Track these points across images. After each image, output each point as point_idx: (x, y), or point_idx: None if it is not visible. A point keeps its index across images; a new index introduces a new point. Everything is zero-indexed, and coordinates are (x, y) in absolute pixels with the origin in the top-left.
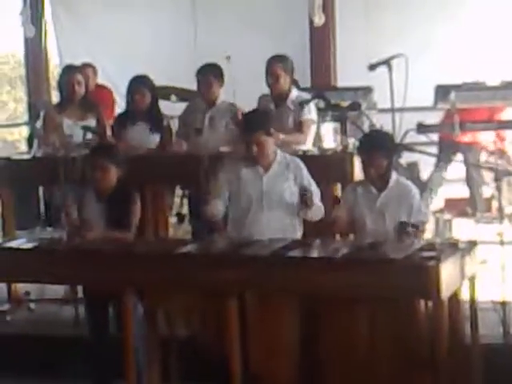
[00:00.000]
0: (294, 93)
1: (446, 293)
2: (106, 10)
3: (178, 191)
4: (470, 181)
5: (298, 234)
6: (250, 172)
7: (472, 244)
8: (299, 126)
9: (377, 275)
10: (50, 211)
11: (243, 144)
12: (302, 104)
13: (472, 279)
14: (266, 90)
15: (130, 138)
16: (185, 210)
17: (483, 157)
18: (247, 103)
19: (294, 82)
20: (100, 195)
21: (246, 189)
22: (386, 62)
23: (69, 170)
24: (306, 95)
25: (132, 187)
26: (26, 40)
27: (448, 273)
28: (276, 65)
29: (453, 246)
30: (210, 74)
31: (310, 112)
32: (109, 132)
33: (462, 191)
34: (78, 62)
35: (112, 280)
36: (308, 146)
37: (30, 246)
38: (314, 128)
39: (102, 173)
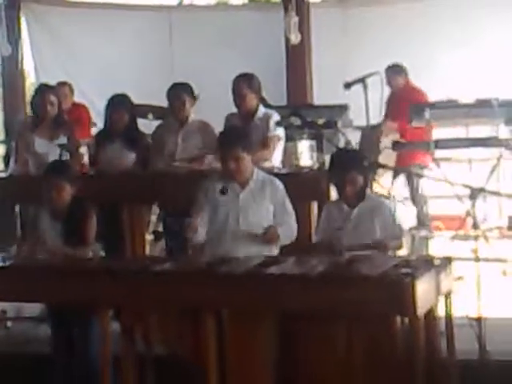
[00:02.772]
0: (261, 110)
1: (421, 309)
2: (83, 28)
3: (155, 209)
4: (416, 198)
5: (275, 252)
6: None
7: (447, 260)
8: (265, 142)
9: (353, 292)
10: (25, 229)
11: (220, 161)
12: (279, 123)
13: (448, 295)
14: None
15: (107, 156)
16: (161, 228)
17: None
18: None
19: (262, 100)
20: (55, 214)
21: (222, 206)
22: (362, 81)
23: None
24: (274, 112)
25: (87, 203)
26: (2, 58)
27: (423, 289)
28: (241, 84)
29: (428, 263)
30: (181, 92)
31: (277, 129)
32: (84, 149)
33: (437, 207)
34: (54, 81)
35: (88, 298)
36: (276, 162)
37: (5, 264)
38: (281, 145)
39: (57, 192)
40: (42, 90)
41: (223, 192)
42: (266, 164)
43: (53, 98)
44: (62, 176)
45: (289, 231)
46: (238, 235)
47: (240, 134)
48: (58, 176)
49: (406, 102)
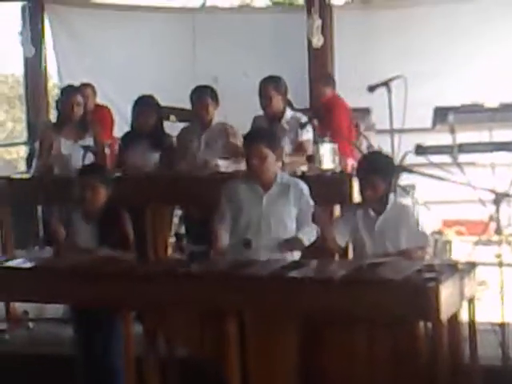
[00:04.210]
0: (289, 113)
1: (445, 314)
2: (106, 30)
3: (177, 211)
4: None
5: (296, 256)
6: (250, 192)
7: (471, 265)
8: (300, 147)
9: (376, 296)
10: (48, 230)
11: (245, 160)
12: (303, 126)
13: (471, 301)
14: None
15: (133, 157)
16: (183, 230)
17: None
18: (245, 126)
19: (288, 103)
20: (88, 216)
21: (245, 208)
22: (386, 84)
23: (66, 189)
24: (301, 115)
25: (121, 207)
26: (26, 60)
27: (447, 294)
28: (268, 86)
29: (452, 268)
30: (204, 95)
31: (308, 132)
32: (107, 151)
33: (460, 212)
34: (77, 82)
35: (111, 300)
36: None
37: (28, 265)
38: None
39: (92, 193)
40: (68, 90)
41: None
42: (302, 168)
43: (79, 99)
44: (97, 178)
45: (311, 233)
46: (261, 236)
47: (265, 132)
48: (93, 177)
49: (330, 114)
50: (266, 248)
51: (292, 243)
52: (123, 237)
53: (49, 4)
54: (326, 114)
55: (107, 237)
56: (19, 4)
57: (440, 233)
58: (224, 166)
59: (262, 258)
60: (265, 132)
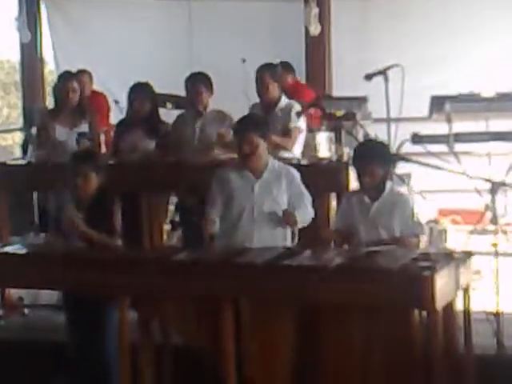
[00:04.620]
0: (284, 100)
1: (440, 303)
2: (103, 17)
3: (173, 198)
4: None
5: (289, 240)
6: (241, 180)
7: (467, 254)
8: (287, 132)
9: (371, 284)
10: (43, 217)
11: (236, 148)
12: (298, 114)
13: (466, 290)
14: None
15: (128, 144)
16: (178, 217)
17: None
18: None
19: (284, 90)
20: (80, 202)
21: (236, 196)
22: (383, 72)
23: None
24: (295, 103)
25: (111, 194)
26: (22, 45)
27: (443, 283)
28: (265, 74)
29: (448, 257)
30: (199, 82)
31: (298, 120)
32: (102, 138)
33: (456, 201)
34: (74, 68)
35: (106, 287)
36: (296, 153)
37: (22, 251)
38: (302, 137)
39: (84, 180)
40: (65, 76)
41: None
42: (286, 154)
43: (75, 85)
44: (89, 165)
45: (306, 215)
46: (254, 223)
47: (256, 120)
48: (85, 164)
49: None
50: (259, 232)
51: (286, 218)
52: (110, 224)
53: None
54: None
55: (95, 223)
56: None
57: (435, 222)
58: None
59: (256, 242)
60: (256, 119)
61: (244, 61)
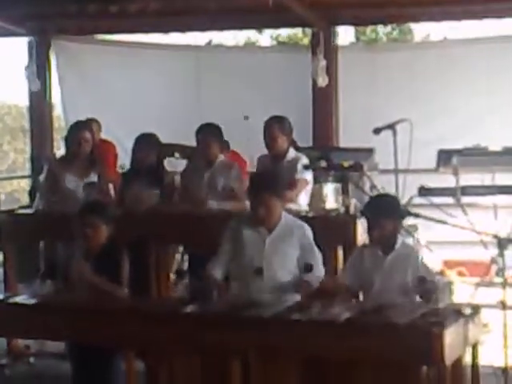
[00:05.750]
0: (291, 153)
1: (449, 359)
2: (110, 67)
3: (179, 247)
4: None
5: (299, 297)
6: (253, 233)
7: (475, 310)
8: (292, 184)
9: (380, 339)
10: (50, 264)
11: (249, 204)
12: (306, 167)
13: (475, 345)
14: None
15: (133, 194)
16: (185, 267)
17: None
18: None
19: (293, 143)
20: (88, 253)
21: (248, 250)
22: (391, 127)
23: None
24: (303, 156)
25: (119, 244)
26: (31, 93)
27: (452, 339)
28: (273, 126)
29: (457, 312)
30: (208, 134)
31: (304, 172)
32: (111, 188)
33: (461, 253)
34: (81, 117)
35: (113, 338)
36: (303, 205)
37: (30, 302)
38: (309, 188)
39: (93, 230)
40: (77, 127)
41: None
42: (292, 206)
43: (87, 135)
44: (99, 215)
45: (318, 272)
46: (263, 282)
47: (271, 179)
48: (95, 215)
49: None
50: (268, 288)
51: (302, 288)
52: (118, 274)
53: (55, 40)
54: None
55: (103, 273)
56: (26, 39)
57: (441, 274)
58: (219, 206)
59: (265, 298)
60: (270, 178)
61: (246, 118)
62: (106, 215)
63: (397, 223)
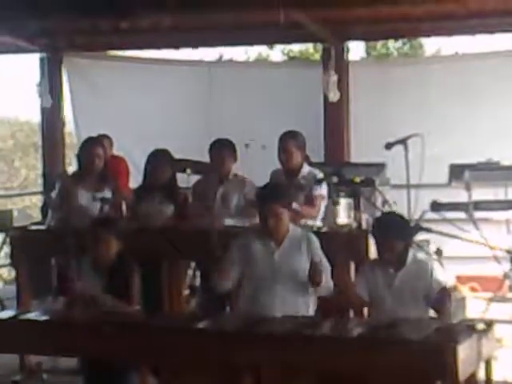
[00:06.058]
0: (306, 168)
1: (463, 375)
2: (122, 82)
3: (191, 263)
4: None
5: (311, 311)
6: (262, 247)
7: (489, 325)
8: (311, 201)
9: (393, 355)
10: (62, 280)
11: (259, 217)
12: (319, 181)
13: (489, 361)
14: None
15: (146, 210)
16: (197, 283)
17: None
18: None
19: (306, 158)
20: (98, 267)
21: (258, 265)
22: (403, 141)
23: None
24: (317, 171)
25: (130, 259)
26: (43, 109)
27: (465, 355)
28: (289, 141)
29: (470, 327)
30: (222, 149)
31: (322, 188)
32: (124, 204)
33: (473, 268)
34: (93, 133)
35: (126, 354)
36: (316, 221)
37: (42, 318)
38: (323, 204)
39: (103, 245)
40: (90, 143)
41: None
42: (307, 222)
43: (100, 152)
44: (109, 230)
45: (326, 286)
46: (275, 291)
47: (280, 190)
48: (106, 230)
49: None
50: (281, 301)
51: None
52: (129, 290)
53: (67, 56)
54: None
55: (113, 288)
56: (38, 56)
57: (454, 289)
58: (231, 223)
59: (278, 309)
60: (279, 190)
61: (247, 146)
62: (116, 230)
63: (407, 242)
